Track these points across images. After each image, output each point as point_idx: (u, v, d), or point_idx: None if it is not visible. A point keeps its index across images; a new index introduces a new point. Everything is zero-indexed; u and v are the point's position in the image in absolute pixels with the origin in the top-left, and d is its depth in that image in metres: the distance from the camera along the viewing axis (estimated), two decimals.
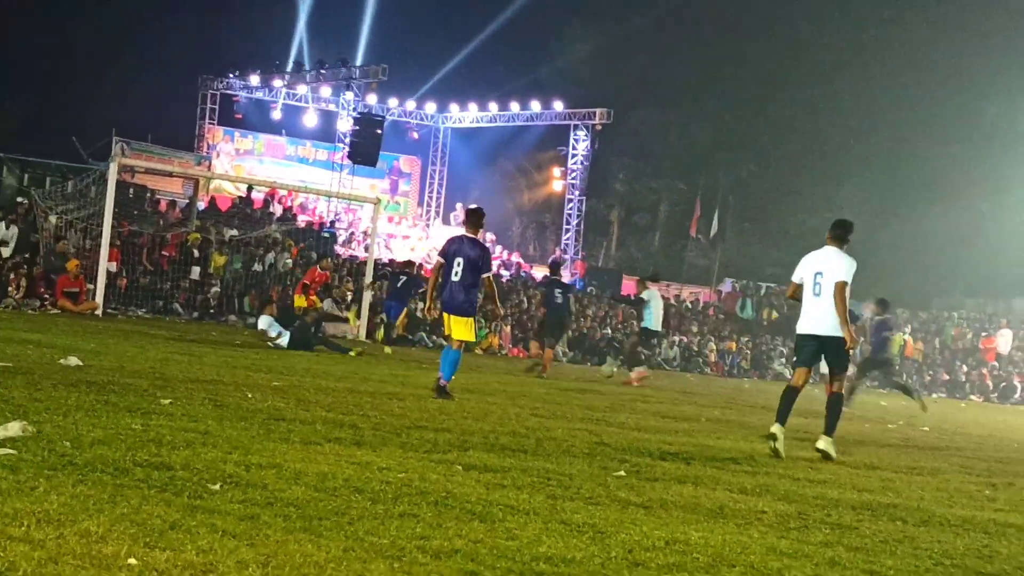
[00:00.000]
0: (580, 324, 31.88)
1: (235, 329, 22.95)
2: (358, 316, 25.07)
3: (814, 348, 9.74)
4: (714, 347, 34.48)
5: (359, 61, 41.31)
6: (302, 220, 35.20)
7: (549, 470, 6.96)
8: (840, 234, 9.89)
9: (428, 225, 44.10)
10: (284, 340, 17.98)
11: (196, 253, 26.32)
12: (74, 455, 5.60)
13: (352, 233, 37.27)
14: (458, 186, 48.44)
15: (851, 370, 16.60)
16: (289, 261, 28.03)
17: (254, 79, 41.16)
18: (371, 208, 30.36)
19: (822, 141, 54.92)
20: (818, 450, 9.47)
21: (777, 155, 54.89)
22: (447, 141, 46.87)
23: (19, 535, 4.00)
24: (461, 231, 12.24)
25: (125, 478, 5.21)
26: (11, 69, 48.41)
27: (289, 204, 36.91)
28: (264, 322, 18.89)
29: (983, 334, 39.59)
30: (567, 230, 43.11)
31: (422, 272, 24.27)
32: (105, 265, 22.10)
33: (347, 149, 38.42)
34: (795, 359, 10.26)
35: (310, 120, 42.25)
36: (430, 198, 46.83)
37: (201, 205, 32.79)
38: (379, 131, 37.71)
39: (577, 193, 42.81)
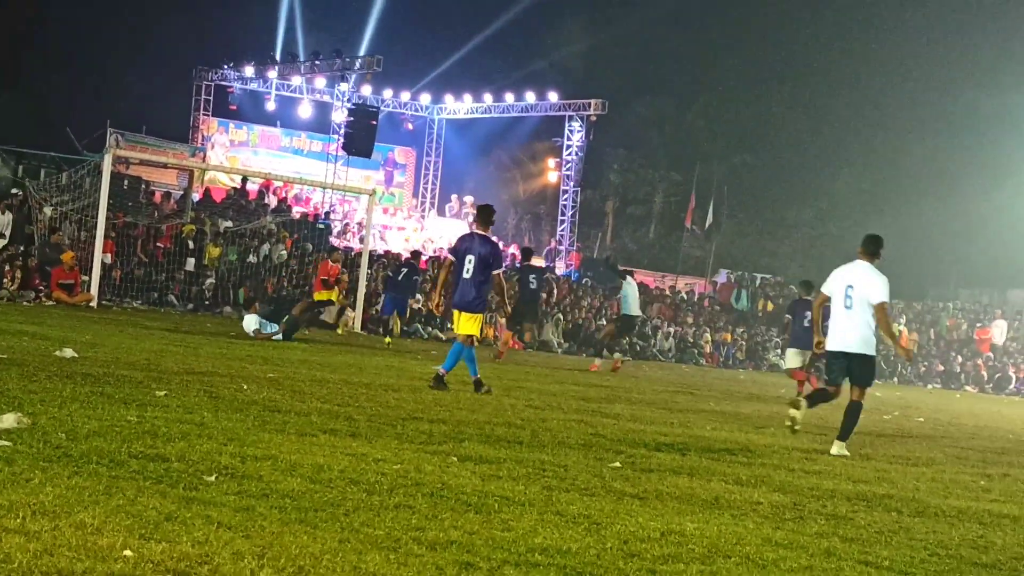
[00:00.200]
0: (575, 315, 31.89)
1: (230, 320, 22.92)
2: (353, 307, 24.95)
3: (843, 365, 9.85)
4: (709, 338, 34.54)
5: (354, 52, 41.23)
6: (297, 211, 35.09)
7: (544, 461, 6.97)
8: (873, 249, 9.88)
9: (423, 216, 44.00)
10: (278, 336, 17.88)
11: (191, 244, 26.28)
12: (69, 447, 5.60)
13: (347, 224, 37.20)
14: (453, 177, 48.33)
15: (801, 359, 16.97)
16: (284, 252, 27.98)
17: (248, 70, 41.01)
18: (366, 199, 30.30)
19: (817, 132, 54.96)
20: (832, 455, 9.49)
21: (772, 146, 54.89)
22: (442, 132, 46.75)
23: (15, 527, 3.99)
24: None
25: (120, 470, 5.20)
26: (5, 60, 48.31)
27: (284, 195, 36.84)
28: (251, 322, 18.25)
29: (978, 325, 39.70)
30: (562, 221, 43.06)
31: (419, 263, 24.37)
32: (100, 257, 22.05)
33: (342, 140, 38.29)
34: (826, 377, 10.39)
35: (305, 111, 42.11)
36: (425, 189, 46.71)
37: (196, 196, 32.71)
38: (374, 122, 37.64)
39: (572, 184, 42.75)
